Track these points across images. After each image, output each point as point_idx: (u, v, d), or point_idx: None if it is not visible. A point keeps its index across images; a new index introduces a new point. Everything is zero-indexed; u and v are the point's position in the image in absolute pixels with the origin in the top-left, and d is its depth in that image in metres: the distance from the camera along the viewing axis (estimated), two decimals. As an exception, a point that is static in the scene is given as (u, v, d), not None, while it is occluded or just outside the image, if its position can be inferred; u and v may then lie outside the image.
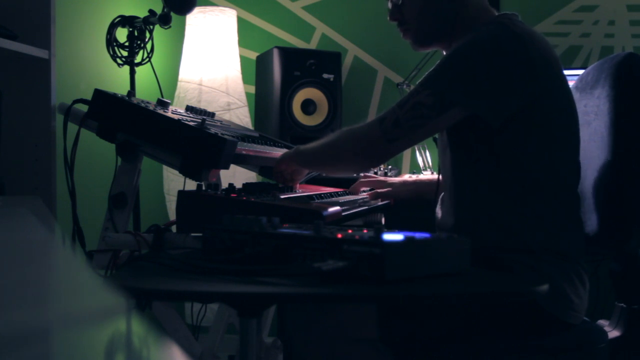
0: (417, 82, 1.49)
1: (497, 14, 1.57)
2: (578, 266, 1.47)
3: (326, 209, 1.27)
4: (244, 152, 1.55)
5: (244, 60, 2.80)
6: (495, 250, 1.44)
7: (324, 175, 2.19)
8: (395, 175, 2.37)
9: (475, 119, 1.43)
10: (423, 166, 2.54)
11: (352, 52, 2.90)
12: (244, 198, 1.29)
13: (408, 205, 1.95)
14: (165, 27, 1.95)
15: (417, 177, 1.98)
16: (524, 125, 1.44)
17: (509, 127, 1.43)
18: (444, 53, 1.68)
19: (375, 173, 2.31)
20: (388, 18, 1.65)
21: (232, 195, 1.32)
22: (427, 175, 2.41)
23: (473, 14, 1.56)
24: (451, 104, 1.42)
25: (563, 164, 1.49)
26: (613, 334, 1.69)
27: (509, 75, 1.42)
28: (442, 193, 1.64)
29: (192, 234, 1.35)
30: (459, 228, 1.50)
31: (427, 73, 1.48)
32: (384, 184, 1.90)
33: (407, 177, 2.07)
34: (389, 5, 1.65)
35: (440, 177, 1.64)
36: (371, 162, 1.57)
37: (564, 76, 1.51)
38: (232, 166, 1.62)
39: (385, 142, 1.47)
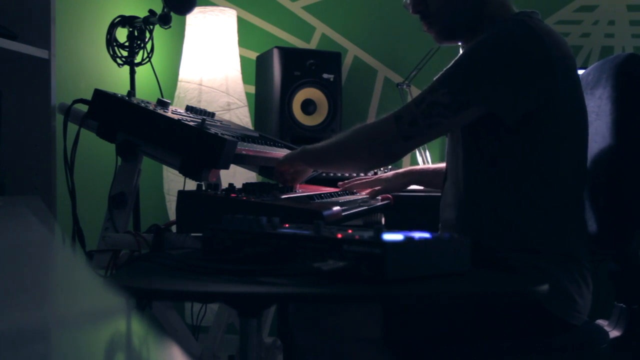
0: (434, 78, 1.48)
1: (517, 11, 1.56)
2: (582, 267, 1.47)
3: (326, 209, 1.27)
4: (244, 152, 1.55)
5: (244, 60, 2.79)
6: (500, 249, 1.44)
7: (324, 175, 2.19)
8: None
9: (490, 116, 1.43)
10: (422, 164, 2.54)
11: (352, 52, 2.90)
12: (244, 198, 1.29)
13: (408, 205, 1.95)
14: (165, 27, 1.95)
15: (407, 169, 1.97)
16: (536, 125, 1.43)
17: (522, 125, 1.42)
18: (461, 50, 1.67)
19: (375, 173, 2.31)
20: (410, 11, 1.62)
21: (232, 195, 1.32)
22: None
23: (497, 9, 1.54)
24: (468, 103, 1.42)
25: (571, 164, 1.49)
26: (613, 334, 1.69)
27: (526, 73, 1.42)
28: (446, 183, 1.63)
29: (192, 234, 1.35)
30: (464, 225, 1.50)
31: (444, 70, 1.47)
32: (378, 181, 1.90)
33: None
34: (407, 0, 1.63)
35: (446, 176, 1.63)
36: (386, 159, 1.57)
37: (577, 76, 1.51)
38: (232, 166, 1.62)
39: (401, 139, 1.46)
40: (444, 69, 1.48)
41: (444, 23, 1.59)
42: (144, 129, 1.45)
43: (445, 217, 1.59)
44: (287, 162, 1.63)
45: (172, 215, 2.50)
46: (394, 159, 1.57)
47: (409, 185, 1.93)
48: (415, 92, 2.71)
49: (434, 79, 1.48)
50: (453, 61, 1.47)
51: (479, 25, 1.55)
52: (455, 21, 1.58)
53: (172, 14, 1.91)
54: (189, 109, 1.75)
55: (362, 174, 2.12)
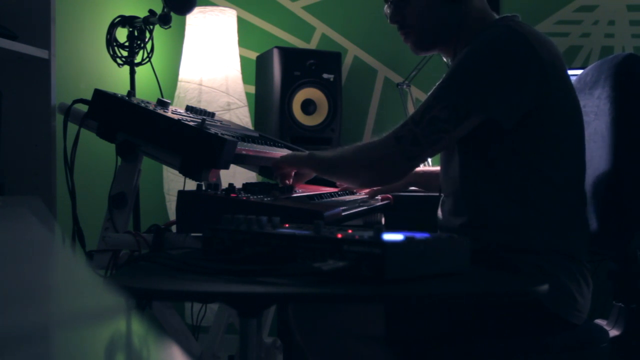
0: (428, 94, 1.48)
1: (497, 17, 1.57)
2: (582, 266, 1.47)
3: (326, 209, 1.27)
4: (244, 152, 1.55)
5: (244, 60, 2.80)
6: (501, 250, 1.44)
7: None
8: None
9: (488, 121, 1.43)
10: (422, 165, 2.54)
11: (352, 52, 2.90)
12: (244, 198, 1.29)
13: (408, 205, 1.95)
14: (165, 27, 1.95)
15: None
16: (533, 126, 1.44)
17: (519, 128, 1.43)
18: (444, 59, 1.68)
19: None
20: (388, 21, 1.63)
21: (232, 195, 1.32)
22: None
23: (476, 18, 1.55)
24: (467, 114, 1.42)
25: (570, 164, 1.49)
26: (612, 333, 1.69)
27: (519, 75, 1.42)
28: (443, 195, 1.64)
29: (192, 234, 1.35)
30: (465, 229, 1.50)
31: (438, 84, 1.47)
32: None
33: None
34: (387, 9, 1.63)
35: (442, 177, 1.63)
36: (391, 180, 1.58)
37: (568, 76, 1.51)
38: (232, 166, 1.62)
39: (405, 160, 1.46)
40: (437, 84, 1.48)
41: (419, 35, 1.60)
42: (144, 129, 1.45)
43: (442, 222, 1.59)
44: (293, 163, 1.63)
45: (172, 215, 2.50)
46: (399, 179, 1.58)
47: (408, 186, 1.93)
48: (415, 92, 2.71)
49: (428, 94, 1.48)
50: (445, 75, 1.47)
51: (458, 35, 1.56)
52: (431, 34, 1.59)
53: (172, 14, 1.91)
54: (189, 109, 1.75)
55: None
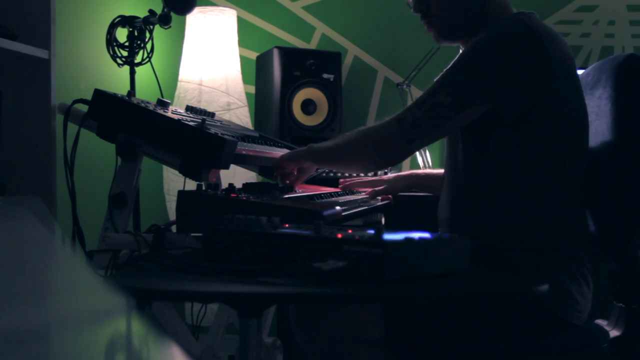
0: (434, 79, 1.49)
1: (515, 11, 1.57)
2: (583, 266, 1.47)
3: (326, 209, 1.27)
4: (244, 152, 1.55)
5: (244, 60, 2.79)
6: (501, 248, 1.44)
7: (324, 175, 2.19)
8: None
9: (490, 113, 1.43)
10: (423, 166, 2.55)
11: (352, 52, 2.90)
12: (244, 198, 1.29)
13: (408, 205, 1.95)
14: (165, 27, 1.95)
15: (410, 172, 1.98)
16: (535, 123, 1.44)
17: (521, 123, 1.43)
18: (461, 50, 1.68)
19: (375, 174, 2.31)
20: (411, 10, 1.64)
21: (232, 195, 1.32)
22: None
23: (495, 11, 1.56)
24: (469, 102, 1.42)
25: (572, 163, 1.49)
26: (612, 333, 1.69)
27: (525, 69, 1.42)
28: (444, 191, 1.64)
29: (192, 234, 1.35)
30: (465, 226, 1.50)
31: (444, 70, 1.48)
32: (380, 182, 1.90)
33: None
34: None
35: (446, 167, 1.64)
36: (390, 161, 1.59)
37: (577, 76, 1.52)
38: (232, 166, 1.62)
39: (405, 142, 1.47)
40: (444, 70, 1.48)
41: (443, 23, 1.60)
42: (144, 129, 1.45)
43: (443, 217, 1.60)
44: (294, 159, 1.63)
45: (172, 215, 2.50)
46: (398, 160, 1.58)
47: (410, 188, 1.93)
48: (415, 92, 2.71)
49: (434, 80, 1.48)
50: (452, 62, 1.48)
51: (478, 26, 1.56)
52: (455, 22, 1.59)
53: (172, 14, 1.91)
54: (189, 109, 1.74)
55: (362, 175, 2.12)
